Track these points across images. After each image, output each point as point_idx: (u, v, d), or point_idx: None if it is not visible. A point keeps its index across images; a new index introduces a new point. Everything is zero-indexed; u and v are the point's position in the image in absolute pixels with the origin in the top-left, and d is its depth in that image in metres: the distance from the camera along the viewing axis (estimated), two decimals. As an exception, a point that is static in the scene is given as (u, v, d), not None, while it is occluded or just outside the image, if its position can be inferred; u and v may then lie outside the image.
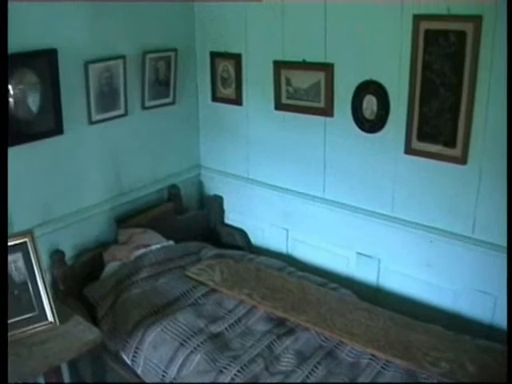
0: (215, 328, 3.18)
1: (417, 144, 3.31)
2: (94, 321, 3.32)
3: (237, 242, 4.43)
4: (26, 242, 2.84)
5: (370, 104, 3.46)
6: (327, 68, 3.60)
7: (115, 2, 3.74)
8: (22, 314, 2.79)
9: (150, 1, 3.97)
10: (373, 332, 3.08)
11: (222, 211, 4.65)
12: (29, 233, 2.89)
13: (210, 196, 4.71)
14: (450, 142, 3.15)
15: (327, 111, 3.70)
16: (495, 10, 2.82)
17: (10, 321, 2.72)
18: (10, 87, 3.21)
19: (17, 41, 3.18)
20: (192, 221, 4.49)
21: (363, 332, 3.08)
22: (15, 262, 2.81)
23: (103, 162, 3.94)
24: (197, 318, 3.23)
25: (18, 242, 2.83)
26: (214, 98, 4.45)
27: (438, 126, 3.17)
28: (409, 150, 3.36)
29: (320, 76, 3.65)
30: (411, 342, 2.98)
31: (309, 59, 3.70)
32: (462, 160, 3.14)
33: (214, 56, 4.33)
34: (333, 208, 3.87)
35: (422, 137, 3.27)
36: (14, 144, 3.26)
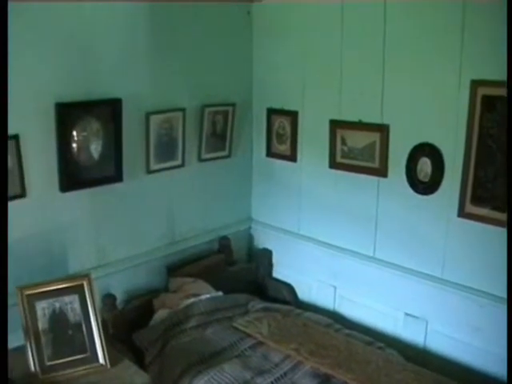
0: (261, 381, 3.15)
1: (470, 208, 3.29)
2: (141, 366, 3.33)
3: (284, 297, 4.44)
4: (82, 285, 2.91)
5: (424, 166, 3.48)
6: (383, 129, 3.65)
7: (177, 53, 3.90)
8: (75, 355, 2.82)
9: (211, 55, 4.12)
10: (420, 394, 3.04)
11: (270, 265, 4.68)
12: (86, 276, 2.96)
13: (259, 249, 4.75)
14: (505, 207, 3.10)
15: (381, 171, 3.73)
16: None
17: (62, 360, 2.79)
18: (74, 133, 3.33)
19: (84, 90, 3.35)
20: (241, 273, 4.52)
21: (411, 393, 3.04)
22: (71, 303, 2.87)
23: (158, 211, 4.03)
24: (243, 370, 3.21)
25: (75, 283, 2.90)
26: (269, 154, 4.53)
27: (493, 190, 3.15)
28: (462, 214, 3.34)
29: (375, 137, 3.70)
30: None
31: (365, 120, 3.76)
32: (517, 225, 3.11)
33: (271, 112, 4.43)
34: (382, 268, 3.86)
35: (476, 201, 3.26)
36: (74, 188, 3.41)
